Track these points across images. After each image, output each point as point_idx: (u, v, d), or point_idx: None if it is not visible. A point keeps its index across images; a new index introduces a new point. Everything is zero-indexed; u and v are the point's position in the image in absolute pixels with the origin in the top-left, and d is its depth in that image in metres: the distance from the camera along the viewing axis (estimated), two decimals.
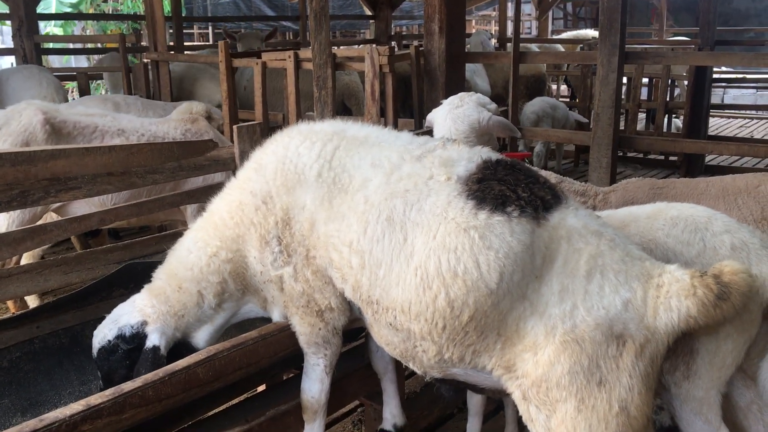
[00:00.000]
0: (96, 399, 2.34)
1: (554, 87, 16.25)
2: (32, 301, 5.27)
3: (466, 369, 2.60)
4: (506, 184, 2.51)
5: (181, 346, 2.91)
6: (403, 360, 2.80)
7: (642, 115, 12.89)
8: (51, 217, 5.26)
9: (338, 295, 2.82)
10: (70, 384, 3.44)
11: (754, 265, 2.62)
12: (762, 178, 3.92)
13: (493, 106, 4.06)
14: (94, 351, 2.89)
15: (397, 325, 2.58)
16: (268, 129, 6.83)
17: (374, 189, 2.65)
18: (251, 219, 2.86)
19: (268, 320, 3.06)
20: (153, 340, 2.82)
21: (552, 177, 4.15)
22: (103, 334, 2.89)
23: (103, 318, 2.98)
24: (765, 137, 13.84)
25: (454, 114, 3.93)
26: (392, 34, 14.62)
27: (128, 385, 2.43)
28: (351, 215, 2.66)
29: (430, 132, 4.18)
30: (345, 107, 9.38)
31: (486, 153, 2.73)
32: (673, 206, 2.93)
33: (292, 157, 2.85)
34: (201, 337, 2.97)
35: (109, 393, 2.38)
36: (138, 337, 2.83)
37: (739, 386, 2.80)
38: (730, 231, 2.73)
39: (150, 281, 3.01)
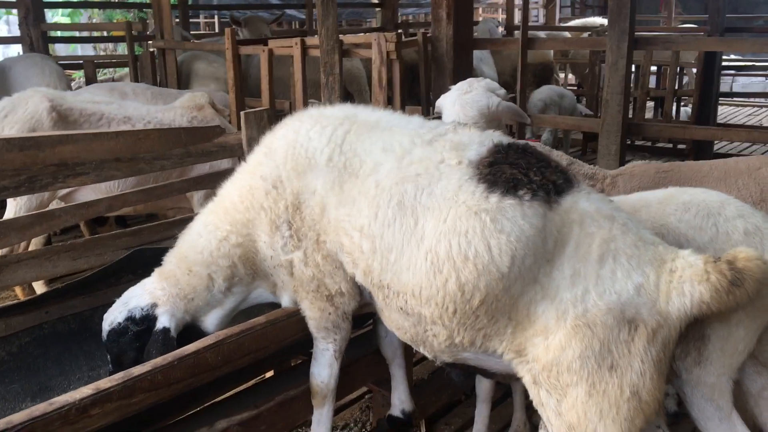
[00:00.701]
0: (105, 383, 2.34)
1: (562, 75, 16.15)
2: (40, 288, 5.28)
3: (477, 353, 2.59)
4: (518, 168, 2.49)
5: (190, 330, 2.92)
6: (413, 344, 2.79)
7: (651, 104, 12.80)
8: (57, 205, 5.27)
9: (348, 279, 2.81)
10: (79, 369, 3.44)
11: (767, 251, 2.60)
12: (764, 161, 3.91)
13: (503, 91, 4.02)
14: (104, 333, 2.90)
15: (407, 309, 2.57)
16: (275, 116, 6.82)
17: (385, 173, 2.64)
18: (261, 203, 2.86)
19: (278, 306, 3.06)
20: (163, 321, 2.82)
21: (563, 158, 4.15)
22: (114, 316, 2.90)
23: (112, 303, 2.99)
24: None
25: (463, 99, 3.90)
26: (399, 22, 14.54)
27: (137, 369, 2.44)
28: (362, 200, 2.65)
29: (439, 118, 4.15)
30: (346, 92, 9.37)
31: (497, 137, 2.71)
32: (685, 191, 2.91)
33: (303, 142, 2.84)
34: (210, 321, 2.97)
35: (118, 377, 2.38)
36: (148, 318, 2.83)
37: (751, 373, 2.79)
38: (743, 216, 2.71)
39: (159, 266, 3.01)
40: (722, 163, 4.05)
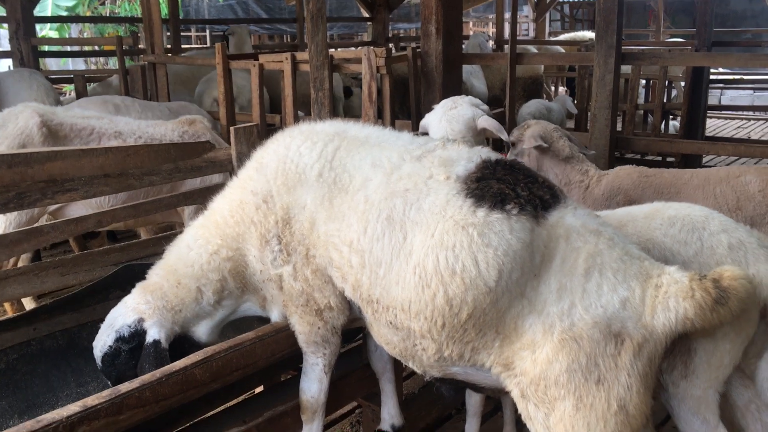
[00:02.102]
0: (93, 400, 2.33)
1: (553, 88, 16.25)
2: (29, 303, 5.25)
3: (465, 367, 2.60)
4: (505, 183, 2.51)
5: (182, 340, 2.92)
6: (402, 359, 2.80)
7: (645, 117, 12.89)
8: (47, 220, 5.25)
9: (338, 294, 2.82)
10: (68, 386, 3.43)
11: (751, 265, 2.63)
12: (744, 170, 3.98)
13: (485, 107, 4.09)
14: (98, 360, 2.87)
15: (397, 323, 2.59)
16: (266, 131, 6.84)
17: (374, 188, 2.66)
18: (252, 218, 2.87)
19: (268, 320, 3.06)
20: (153, 334, 2.81)
21: (566, 149, 4.28)
22: (103, 341, 2.87)
23: (100, 320, 2.97)
24: (762, 138, 13.85)
25: (450, 115, 3.95)
26: (390, 36, 14.62)
27: (125, 386, 2.43)
28: (351, 215, 2.66)
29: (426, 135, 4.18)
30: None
31: (486, 153, 2.74)
32: (671, 206, 2.94)
33: (294, 157, 2.86)
34: (202, 331, 2.98)
35: (106, 394, 2.38)
36: (138, 334, 2.82)
37: (738, 386, 2.80)
38: (727, 230, 2.74)
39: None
40: (704, 171, 4.12)
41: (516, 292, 2.38)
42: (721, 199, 3.85)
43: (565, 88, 15.84)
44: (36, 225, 4.27)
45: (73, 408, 2.28)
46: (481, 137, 4.03)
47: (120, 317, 2.89)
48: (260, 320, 3.19)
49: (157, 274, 3.00)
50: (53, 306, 3.48)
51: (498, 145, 7.71)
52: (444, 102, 4.08)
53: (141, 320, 2.85)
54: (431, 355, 2.58)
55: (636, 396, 2.33)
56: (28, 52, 10.40)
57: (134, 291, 2.98)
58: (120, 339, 2.83)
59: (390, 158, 2.74)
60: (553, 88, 16.16)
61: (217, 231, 2.96)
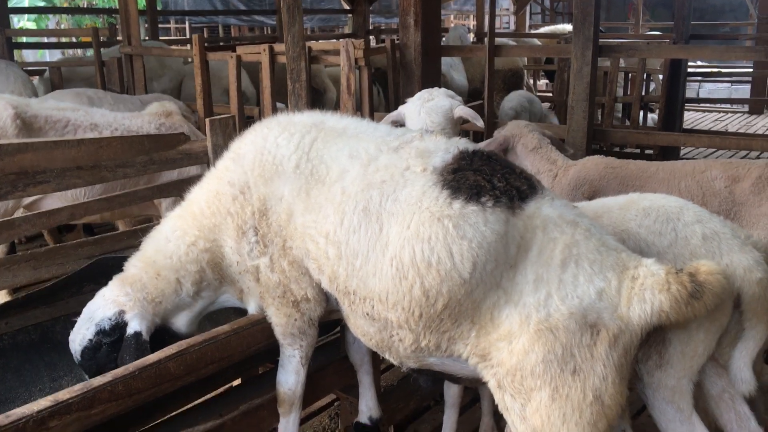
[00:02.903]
0: (65, 394, 2.30)
1: (540, 82, 16.29)
2: (3, 297, 5.18)
3: (442, 358, 2.60)
4: (482, 174, 2.51)
5: (162, 331, 2.89)
6: (379, 351, 2.79)
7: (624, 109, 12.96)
8: (22, 213, 5.17)
9: (314, 285, 2.81)
10: (41, 381, 3.38)
11: (725, 255, 2.65)
12: (710, 164, 3.97)
13: (459, 98, 4.12)
14: (77, 355, 2.82)
15: (374, 314, 2.58)
16: (244, 122, 6.79)
17: (351, 180, 2.65)
18: (228, 209, 2.86)
19: (246, 312, 3.04)
20: (134, 326, 2.78)
21: (534, 139, 4.36)
22: (82, 335, 2.83)
23: (74, 313, 2.93)
24: (739, 130, 13.99)
25: (428, 107, 3.95)
26: (371, 28, 14.57)
27: (98, 380, 2.40)
28: (328, 206, 2.65)
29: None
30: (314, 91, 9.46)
31: (463, 144, 2.73)
32: (645, 197, 2.96)
33: (271, 148, 2.84)
34: (181, 322, 2.97)
35: (77, 388, 2.35)
36: (119, 327, 2.79)
37: (712, 375, 2.83)
38: (702, 221, 2.75)
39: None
40: (670, 164, 4.11)
41: (491, 283, 2.38)
42: (686, 194, 3.84)
43: (547, 81, 15.88)
44: (6, 218, 4.20)
45: (43, 402, 2.25)
46: (458, 128, 4.04)
47: (99, 310, 2.85)
48: (238, 312, 3.16)
49: (135, 265, 2.97)
50: (26, 300, 3.43)
51: (480, 137, 7.71)
52: (420, 94, 4.09)
53: (122, 312, 2.81)
54: (408, 346, 2.58)
55: (611, 386, 2.34)
56: (2, 43, 10.23)
57: (112, 283, 2.94)
58: (101, 332, 2.79)
59: (367, 149, 2.73)
60: (532, 80, 16.21)
61: (195, 222, 2.94)
